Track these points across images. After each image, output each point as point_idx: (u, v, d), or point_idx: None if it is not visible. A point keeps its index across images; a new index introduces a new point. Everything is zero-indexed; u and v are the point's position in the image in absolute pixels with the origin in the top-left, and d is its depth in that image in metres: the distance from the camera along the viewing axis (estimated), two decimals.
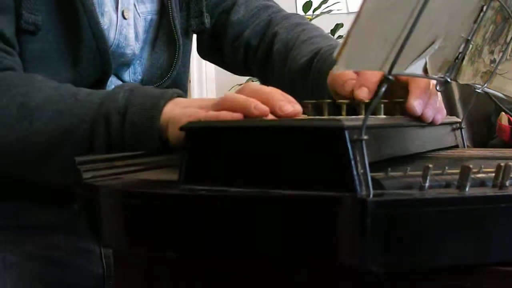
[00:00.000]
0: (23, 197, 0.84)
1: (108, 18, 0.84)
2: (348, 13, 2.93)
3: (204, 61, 3.12)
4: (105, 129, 0.68)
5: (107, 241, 0.56)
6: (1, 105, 0.71)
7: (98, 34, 0.80)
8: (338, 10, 2.84)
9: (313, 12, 2.72)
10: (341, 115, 0.67)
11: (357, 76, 0.71)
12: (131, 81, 0.91)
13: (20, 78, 0.75)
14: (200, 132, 0.51)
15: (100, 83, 0.84)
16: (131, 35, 0.87)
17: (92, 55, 0.81)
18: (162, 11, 0.91)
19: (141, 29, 0.90)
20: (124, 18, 0.86)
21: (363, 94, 0.69)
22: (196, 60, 3.11)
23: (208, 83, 3.19)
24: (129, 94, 0.69)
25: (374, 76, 0.70)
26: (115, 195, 0.53)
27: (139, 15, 0.90)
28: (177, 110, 0.67)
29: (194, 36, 1.03)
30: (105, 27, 0.83)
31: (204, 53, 1.12)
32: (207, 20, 0.96)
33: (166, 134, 0.67)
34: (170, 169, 0.63)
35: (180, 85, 0.95)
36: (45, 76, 0.76)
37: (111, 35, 0.85)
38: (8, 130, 0.71)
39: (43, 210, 0.84)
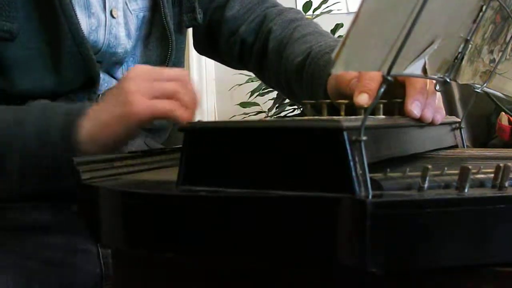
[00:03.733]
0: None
1: (96, 19, 0.83)
2: (348, 13, 2.92)
3: (204, 61, 3.12)
4: (19, 155, 0.68)
5: (106, 241, 0.56)
6: None
7: (79, 40, 0.80)
8: (338, 10, 2.84)
9: (313, 12, 2.71)
10: (340, 115, 0.67)
11: (357, 82, 0.71)
12: None
13: None
14: (199, 133, 0.51)
15: (90, 85, 0.83)
16: (122, 34, 0.87)
17: (75, 61, 0.81)
18: (154, 7, 0.91)
19: (133, 27, 0.89)
20: (113, 17, 0.86)
21: (364, 100, 0.68)
22: (196, 60, 3.11)
23: (208, 83, 3.19)
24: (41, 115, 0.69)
25: (374, 82, 0.69)
26: (114, 196, 0.53)
27: (131, 13, 0.89)
28: (92, 130, 0.67)
29: (189, 33, 1.03)
30: (93, 28, 0.83)
31: (200, 49, 1.11)
32: (199, 16, 0.95)
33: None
34: (169, 170, 0.63)
35: None
36: (29, 83, 0.76)
37: (101, 36, 0.84)
38: None
39: (40, 211, 0.84)
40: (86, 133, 0.67)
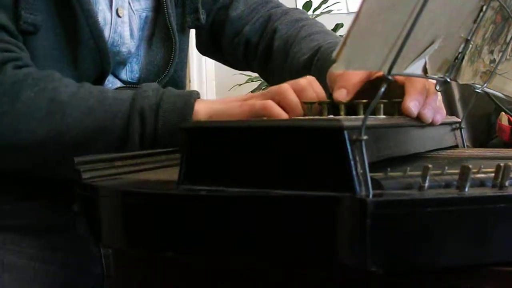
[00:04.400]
0: (21, 198, 0.84)
1: (102, 17, 0.84)
2: (348, 13, 2.93)
3: (204, 61, 3.12)
4: (140, 125, 0.71)
5: (107, 241, 0.56)
6: (29, 98, 0.72)
7: (96, 33, 0.81)
8: (338, 10, 2.84)
9: (313, 12, 2.72)
10: (340, 115, 0.67)
11: (339, 77, 0.72)
12: (128, 79, 0.91)
13: (44, 74, 0.75)
14: (200, 132, 0.51)
15: (99, 82, 0.84)
16: (126, 33, 0.87)
17: (91, 54, 0.82)
18: (158, 8, 0.92)
19: (135, 27, 0.90)
20: (119, 16, 0.86)
21: (342, 95, 0.69)
22: (196, 60, 3.11)
23: (208, 83, 3.19)
24: (160, 93, 0.73)
25: (354, 77, 0.70)
26: (115, 195, 0.53)
27: (134, 13, 0.90)
28: (215, 106, 0.73)
29: (192, 34, 1.03)
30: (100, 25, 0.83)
31: (203, 50, 1.12)
32: (202, 17, 0.96)
33: None
34: (169, 170, 0.63)
35: (178, 83, 0.95)
36: None
37: (106, 34, 0.85)
38: (38, 124, 0.72)
39: (41, 211, 0.84)
40: (201, 112, 0.72)
